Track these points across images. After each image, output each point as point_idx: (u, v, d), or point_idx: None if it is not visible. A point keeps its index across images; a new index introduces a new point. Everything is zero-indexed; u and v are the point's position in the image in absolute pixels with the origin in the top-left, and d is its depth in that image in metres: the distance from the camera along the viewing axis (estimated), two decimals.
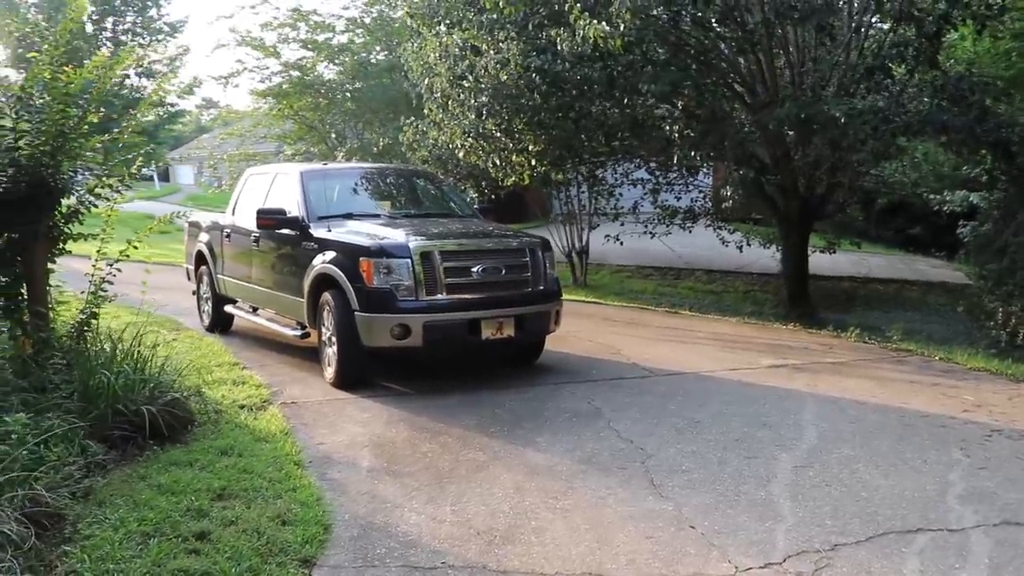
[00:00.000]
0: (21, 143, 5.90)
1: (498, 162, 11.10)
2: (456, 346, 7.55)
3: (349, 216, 8.16)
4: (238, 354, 8.91)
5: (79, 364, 6.04)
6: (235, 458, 5.42)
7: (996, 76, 11.55)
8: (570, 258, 15.87)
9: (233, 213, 9.83)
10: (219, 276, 10.03)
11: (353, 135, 17.72)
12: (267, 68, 17.89)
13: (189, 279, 11.26)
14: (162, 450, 5.56)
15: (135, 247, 7.43)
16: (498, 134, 10.66)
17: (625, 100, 9.80)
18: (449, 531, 4.35)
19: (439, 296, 7.14)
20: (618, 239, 14.51)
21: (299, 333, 8.31)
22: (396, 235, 7.39)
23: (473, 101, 10.34)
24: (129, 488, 4.82)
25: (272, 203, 8.76)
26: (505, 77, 9.81)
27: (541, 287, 7.69)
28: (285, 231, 8.27)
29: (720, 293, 15.14)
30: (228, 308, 9.96)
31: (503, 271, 7.39)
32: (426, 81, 11.51)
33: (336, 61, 17.63)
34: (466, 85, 10.40)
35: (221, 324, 10.25)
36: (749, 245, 14.50)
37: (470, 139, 10.84)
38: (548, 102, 10.32)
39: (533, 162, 11.12)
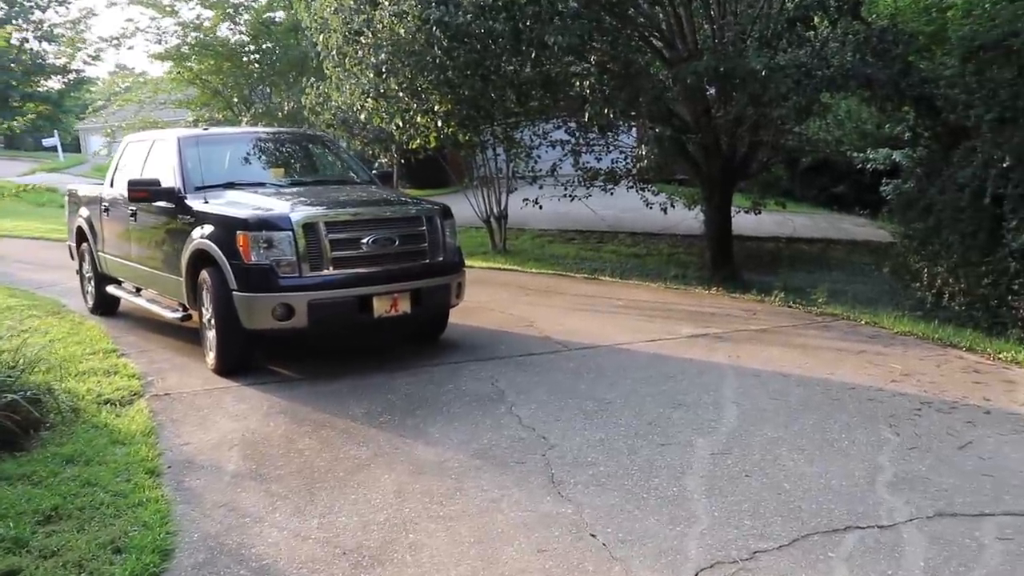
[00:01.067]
0: None
1: (401, 124, 10.37)
2: (346, 325, 6.91)
3: (231, 186, 7.42)
4: (119, 339, 8.15)
5: None
6: (81, 467, 4.74)
7: (918, 31, 11.21)
8: (488, 224, 15.27)
9: (112, 185, 8.97)
10: (100, 254, 9.19)
11: (260, 100, 16.74)
12: (163, 29, 16.77)
13: (72, 257, 10.38)
14: None
15: None
16: (400, 94, 9.92)
17: (533, 55, 9.14)
18: (312, 551, 3.74)
19: (325, 272, 6.47)
20: (536, 203, 13.96)
21: (179, 315, 7.57)
22: (277, 205, 6.69)
23: (372, 59, 9.58)
24: None
25: (149, 172, 7.97)
26: (403, 31, 9.07)
27: (440, 258, 7.07)
28: (161, 203, 7.50)
29: (643, 256, 14.71)
30: (111, 289, 9.13)
31: (396, 242, 6.74)
32: (321, 38, 10.70)
33: (237, 21, 16.56)
34: (363, 41, 9.63)
35: (105, 306, 9.42)
36: (673, 207, 14.10)
37: (370, 99, 10.07)
38: (453, 59, 9.62)
39: (439, 123, 10.41)
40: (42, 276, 12.49)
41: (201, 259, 6.82)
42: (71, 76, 32.73)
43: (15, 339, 6.85)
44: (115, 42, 18.49)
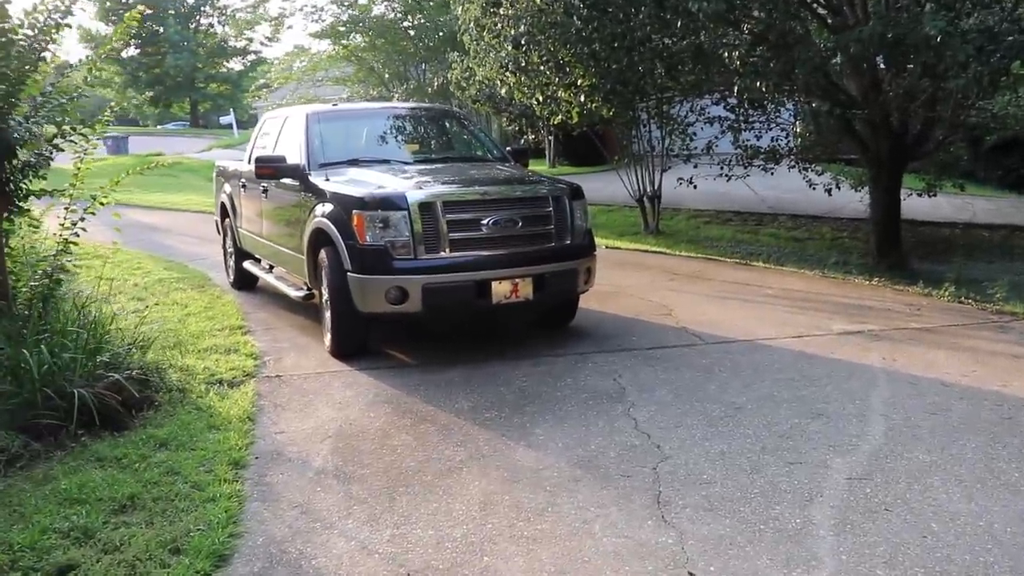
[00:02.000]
0: None
1: (541, 98, 9.89)
2: (462, 311, 6.56)
3: (355, 163, 7.20)
4: (250, 316, 8.17)
5: (12, 338, 5.25)
6: (171, 452, 4.59)
7: None
8: (641, 203, 14.61)
9: (249, 161, 8.99)
10: (239, 229, 9.27)
11: (415, 76, 16.67)
12: (319, 7, 16.97)
13: (217, 231, 10.58)
14: (92, 441, 4.76)
15: (101, 203, 6.62)
16: (542, 67, 9.44)
17: (678, 23, 8.43)
18: (374, 569, 3.38)
19: (441, 254, 6.12)
20: (691, 182, 13.18)
21: (302, 294, 7.44)
22: (395, 184, 6.39)
23: (511, 31, 9.14)
24: (17, 497, 4.01)
25: (281, 149, 7.90)
26: (541, 1, 8.58)
27: (567, 241, 6.58)
28: (287, 180, 7.38)
29: (804, 240, 13.63)
30: (247, 265, 9.19)
31: (519, 223, 6.30)
32: (460, 9, 10.36)
33: None
34: (501, 13, 9.21)
35: (244, 281, 9.53)
36: (838, 188, 12.96)
37: (509, 73, 9.65)
38: (597, 30, 9.05)
39: (583, 98, 9.86)
40: (198, 249, 12.91)
41: (320, 238, 6.64)
42: (250, 57, 34.21)
43: (144, 313, 6.92)
44: (276, 22, 18.94)
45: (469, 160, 7.79)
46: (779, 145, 12.69)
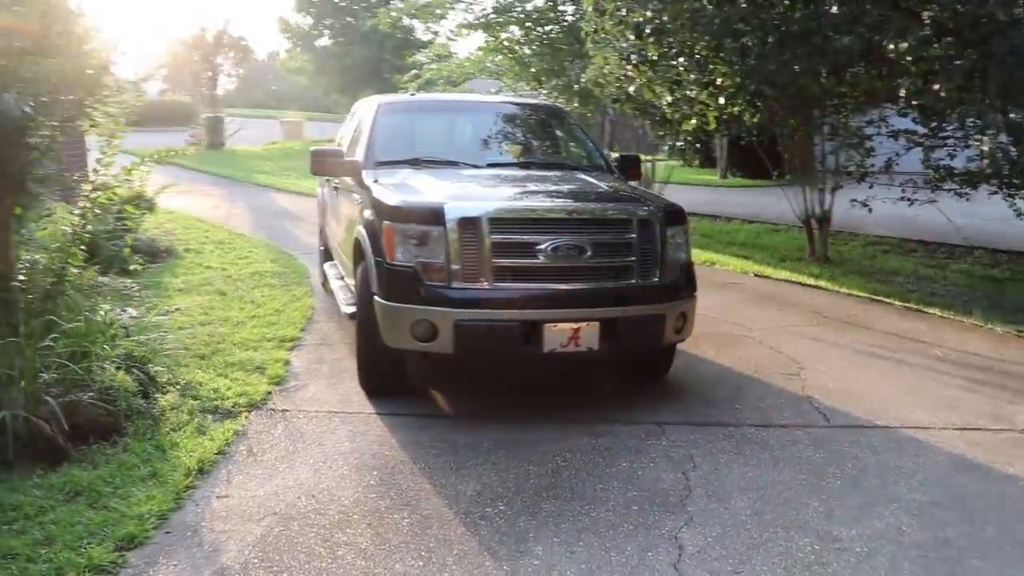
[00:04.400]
0: None
1: (669, 99, 8.37)
2: (506, 357, 5.28)
3: (416, 163, 6.06)
4: (315, 326, 7.34)
5: None
6: (73, 508, 3.68)
7: None
8: (807, 225, 12.72)
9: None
10: (325, 227, 8.43)
11: (571, 71, 15.39)
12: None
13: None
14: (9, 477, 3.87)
15: (114, 193, 5.78)
16: (672, 62, 7.94)
17: (834, 8, 6.71)
18: None
19: (482, 283, 4.84)
20: (865, 204, 11.21)
21: (351, 311, 6.38)
22: (440, 192, 5.18)
23: (632, 16, 7.69)
24: None
25: (357, 141, 6.90)
26: None
27: (654, 277, 5.13)
28: (347, 179, 6.37)
29: (1002, 281, 11.30)
30: (326, 266, 8.29)
31: (588, 252, 4.91)
32: None
33: None
34: None
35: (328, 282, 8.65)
36: None
37: (630, 67, 8.20)
38: (747, 19, 7.47)
39: (722, 100, 8.26)
40: (315, 240, 12.29)
41: (358, 250, 5.57)
42: (436, 51, 33.89)
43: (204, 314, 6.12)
44: (430, 17, 18.15)
45: (557, 167, 6.42)
46: (978, 166, 10.53)
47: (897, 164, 10.91)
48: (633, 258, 5.05)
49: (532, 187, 5.65)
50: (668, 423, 5.06)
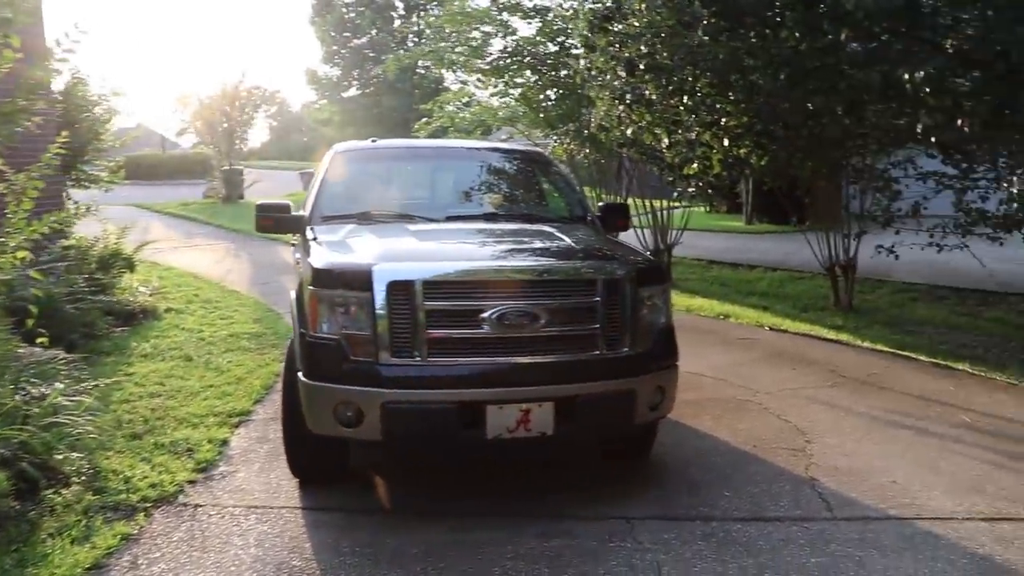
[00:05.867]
0: None
1: (667, 140, 7.66)
2: (443, 445, 4.58)
3: (366, 217, 5.42)
4: (272, 396, 6.66)
5: None
6: None
7: None
8: (832, 273, 11.90)
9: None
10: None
11: (588, 114, 14.74)
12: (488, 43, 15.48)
13: None
14: None
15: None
16: (669, 100, 7.26)
17: (841, 37, 6.00)
18: None
19: (415, 359, 4.16)
20: (891, 251, 10.38)
21: None
22: (371, 251, 4.52)
23: (626, 52, 7.04)
24: None
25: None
26: (663, 14, 6.44)
27: (624, 347, 4.41)
28: (296, 237, 5.78)
29: None
30: None
31: (541, 319, 4.22)
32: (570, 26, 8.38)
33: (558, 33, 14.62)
34: (614, 29, 7.14)
35: None
36: None
37: (623, 107, 7.53)
38: (755, 53, 6.81)
39: (726, 142, 7.55)
40: None
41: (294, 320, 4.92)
42: (449, 97, 33.81)
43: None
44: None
45: (527, 219, 5.72)
46: (1011, 208, 9.67)
47: (926, 208, 10.12)
48: (597, 325, 4.33)
49: (487, 244, 4.96)
50: (639, 517, 4.30)
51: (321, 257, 4.53)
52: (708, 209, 23.81)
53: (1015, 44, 5.61)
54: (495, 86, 15.87)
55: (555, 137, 14.81)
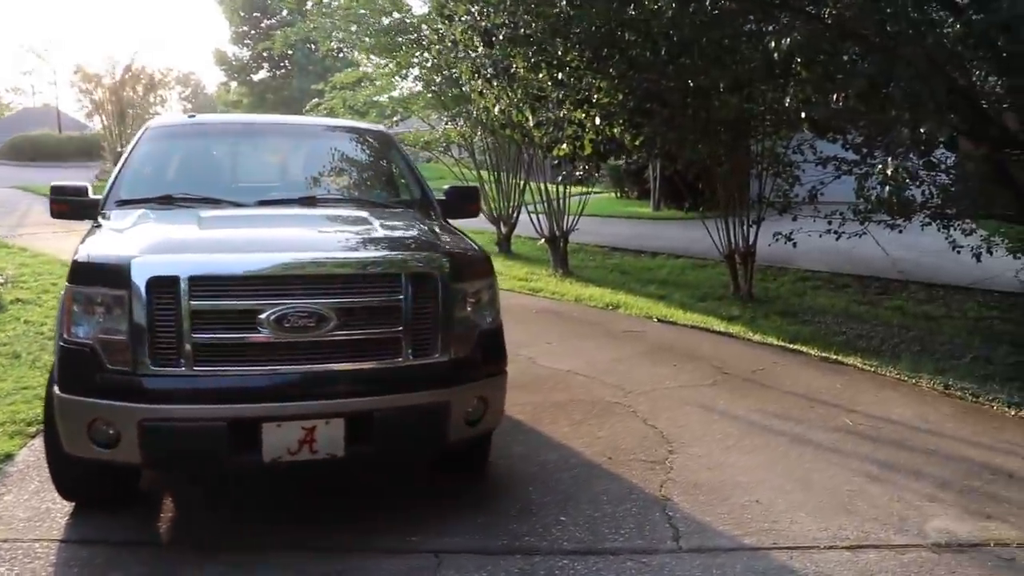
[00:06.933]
0: None
1: (530, 118, 7.08)
2: (212, 469, 3.95)
3: (164, 201, 4.73)
4: None
5: None
6: None
7: None
8: (731, 261, 11.54)
9: None
10: None
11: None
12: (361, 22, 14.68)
13: None
14: None
15: None
16: (534, 75, 6.68)
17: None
18: None
19: (180, 368, 3.50)
20: (789, 238, 10.02)
21: None
22: (139, 241, 3.83)
23: (482, 21, 6.43)
24: None
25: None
26: None
27: (435, 353, 3.81)
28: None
29: (937, 319, 10.12)
30: None
31: (332, 321, 3.60)
32: None
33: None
34: None
35: None
36: (990, 253, 9.50)
37: (481, 80, 6.92)
38: (628, 24, 6.27)
39: (597, 120, 6.99)
40: None
41: None
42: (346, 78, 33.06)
43: None
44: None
45: (351, 204, 5.07)
46: (911, 194, 9.35)
47: (822, 194, 9.79)
48: (400, 328, 3.72)
49: (281, 232, 4.30)
50: (450, 551, 3.72)
51: (84, 248, 3.84)
52: (618, 195, 23.44)
53: (892, 16, 5.16)
54: (385, 66, 15.16)
55: (447, 119, 14.15)
